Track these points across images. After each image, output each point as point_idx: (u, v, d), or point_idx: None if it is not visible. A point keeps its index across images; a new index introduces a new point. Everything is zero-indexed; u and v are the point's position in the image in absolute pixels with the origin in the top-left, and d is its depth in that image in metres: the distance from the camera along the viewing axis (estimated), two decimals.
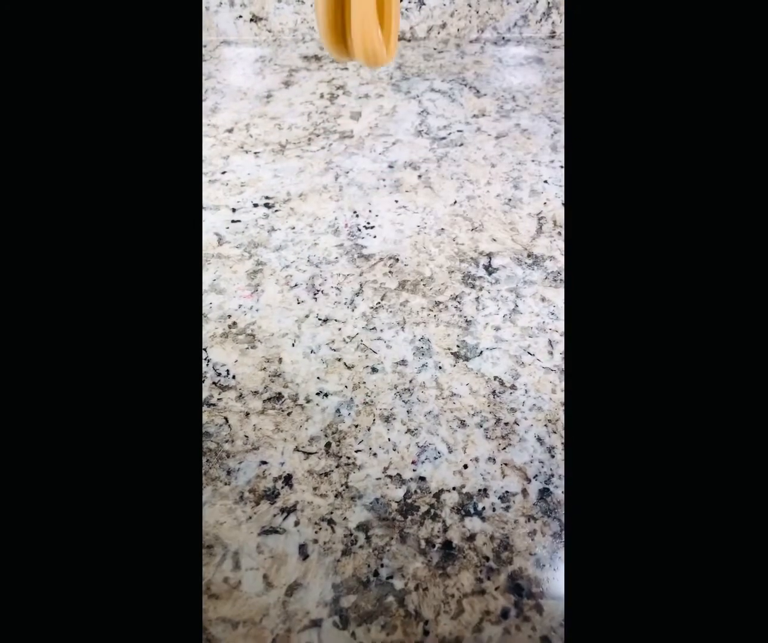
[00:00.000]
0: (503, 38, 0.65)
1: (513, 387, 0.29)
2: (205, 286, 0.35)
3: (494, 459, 0.26)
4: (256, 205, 0.41)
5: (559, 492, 0.25)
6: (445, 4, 0.63)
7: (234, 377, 0.30)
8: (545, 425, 0.27)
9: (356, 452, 0.26)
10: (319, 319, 0.33)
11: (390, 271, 0.35)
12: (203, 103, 0.53)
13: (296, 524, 0.24)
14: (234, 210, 0.40)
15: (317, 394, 0.29)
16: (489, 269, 0.36)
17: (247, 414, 0.28)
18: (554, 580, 0.22)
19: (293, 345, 0.31)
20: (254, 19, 0.64)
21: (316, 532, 0.24)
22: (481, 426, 0.27)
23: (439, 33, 0.65)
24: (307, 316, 0.33)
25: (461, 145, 0.47)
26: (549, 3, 0.62)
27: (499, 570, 0.23)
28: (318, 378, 0.29)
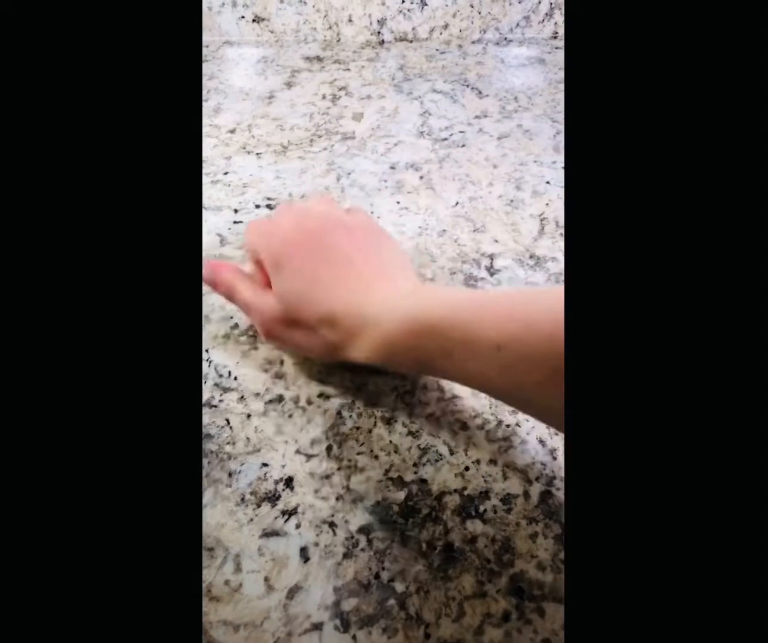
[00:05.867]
0: (505, 39, 0.65)
1: None
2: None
3: (496, 461, 0.26)
4: (258, 207, 0.41)
5: (560, 495, 0.25)
6: (447, 5, 0.63)
7: (236, 378, 0.30)
8: (547, 427, 0.27)
9: (357, 454, 0.26)
10: None
11: None
12: (205, 104, 0.53)
13: (297, 526, 0.24)
14: (236, 211, 0.40)
15: (319, 396, 0.29)
16: (491, 271, 0.36)
17: (249, 416, 0.28)
18: (556, 583, 0.22)
19: None
20: (256, 19, 0.64)
21: (317, 535, 0.24)
22: (483, 428, 0.27)
23: (441, 34, 0.65)
24: None
25: (463, 146, 0.47)
26: (551, 4, 0.62)
27: (500, 573, 0.22)
28: (320, 380, 0.29)
